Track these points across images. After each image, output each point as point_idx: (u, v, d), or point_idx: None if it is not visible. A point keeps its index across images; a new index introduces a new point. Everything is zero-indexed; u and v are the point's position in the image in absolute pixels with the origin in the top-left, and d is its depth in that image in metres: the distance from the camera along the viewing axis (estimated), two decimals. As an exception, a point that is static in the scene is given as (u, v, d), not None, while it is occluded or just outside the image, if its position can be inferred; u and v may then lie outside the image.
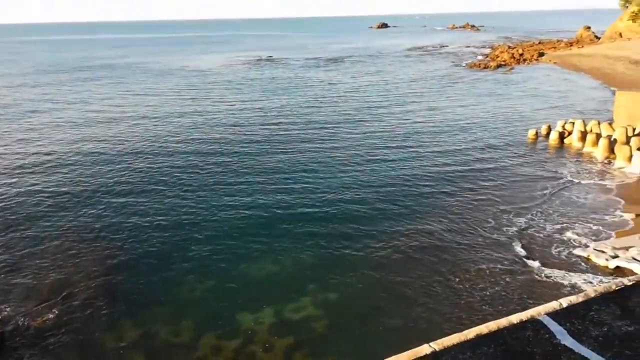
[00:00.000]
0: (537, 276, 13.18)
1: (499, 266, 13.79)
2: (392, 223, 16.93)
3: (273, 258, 14.69)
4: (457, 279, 13.17)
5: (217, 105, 40.39)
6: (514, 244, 15.13)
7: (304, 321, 11.64)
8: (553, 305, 11.45)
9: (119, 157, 25.45)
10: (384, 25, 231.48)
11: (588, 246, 14.53)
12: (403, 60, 76.50)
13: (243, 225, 17.08)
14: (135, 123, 33.75)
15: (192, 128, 32.03)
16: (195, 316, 11.92)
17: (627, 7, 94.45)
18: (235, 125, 32.61)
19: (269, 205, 18.81)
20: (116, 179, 22.03)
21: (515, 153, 25.33)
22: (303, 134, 29.99)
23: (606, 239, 15.05)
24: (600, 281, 12.61)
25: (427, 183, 21.01)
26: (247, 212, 18.18)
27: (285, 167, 23.60)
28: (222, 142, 28.23)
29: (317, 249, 15.14)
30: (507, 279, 13.07)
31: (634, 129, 24.72)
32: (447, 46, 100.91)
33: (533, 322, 6.19)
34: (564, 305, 11.54)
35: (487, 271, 13.54)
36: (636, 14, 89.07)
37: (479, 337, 6.24)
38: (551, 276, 13.13)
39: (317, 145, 27.37)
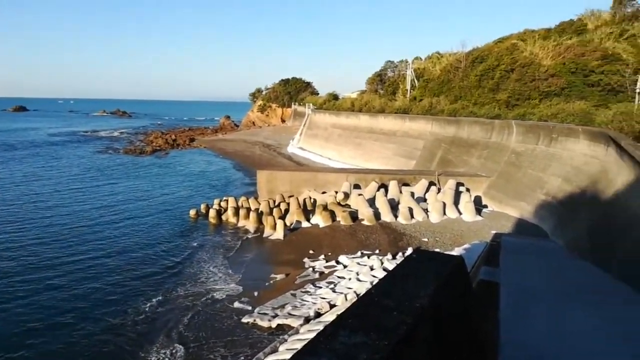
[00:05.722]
0: (213, 354, 13.37)
1: (169, 349, 13.36)
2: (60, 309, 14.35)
3: None
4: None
5: None
6: (180, 324, 15.06)
7: None
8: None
9: None
10: (22, 109, 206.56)
11: (253, 312, 15.83)
12: (54, 147, 69.43)
13: None
14: None
15: None
16: None
17: (255, 101, 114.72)
18: None
19: None
20: None
21: (178, 232, 25.95)
22: None
23: (267, 301, 16.77)
24: (264, 337, 13.86)
25: (85, 268, 18.98)
26: None
27: None
28: None
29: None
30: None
31: (274, 201, 29.30)
32: (100, 132, 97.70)
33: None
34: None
35: (164, 354, 12.91)
36: (262, 106, 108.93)
37: None
38: (224, 348, 13.57)
39: None
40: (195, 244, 23.92)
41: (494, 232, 21.40)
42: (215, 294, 17.57)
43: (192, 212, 29.40)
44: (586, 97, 33.91)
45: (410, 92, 53.58)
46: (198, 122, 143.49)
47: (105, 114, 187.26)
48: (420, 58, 63.29)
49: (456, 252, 20.17)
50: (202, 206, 30.19)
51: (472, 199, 27.92)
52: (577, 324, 6.48)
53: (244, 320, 15.25)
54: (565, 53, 37.98)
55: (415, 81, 54.33)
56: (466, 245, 21.18)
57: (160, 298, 17.23)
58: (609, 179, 19.44)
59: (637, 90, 29.84)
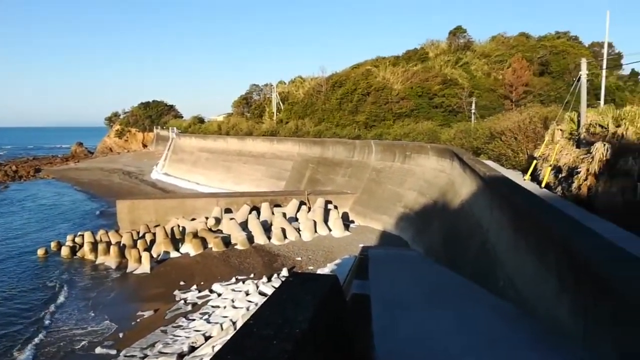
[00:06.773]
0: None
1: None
2: None
3: None
4: None
5: None
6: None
7: None
8: None
9: None
10: None
11: (119, 355, 14.41)
12: None
13: None
14: None
15: None
16: None
17: (112, 125, 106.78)
18: None
19: None
20: None
21: (27, 277, 22.78)
22: None
23: (134, 341, 15.39)
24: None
25: None
26: None
27: None
28: None
29: None
30: None
31: (138, 233, 27.29)
32: None
33: None
34: None
35: None
36: (121, 131, 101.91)
37: None
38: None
39: None
40: (49, 287, 21.21)
41: (361, 245, 22.44)
42: (74, 342, 15.67)
43: (41, 252, 26.08)
44: (432, 117, 37.88)
45: (276, 114, 54.57)
46: (46, 150, 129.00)
47: None
48: (284, 82, 65.07)
49: (329, 268, 20.75)
50: (53, 244, 26.99)
51: (340, 215, 29.09)
52: (442, 326, 7.00)
53: (109, 366, 13.81)
54: (412, 78, 42.10)
55: (281, 104, 55.55)
56: (337, 261, 21.90)
57: (8, 356, 14.84)
58: (455, 191, 21.74)
59: (473, 111, 34.17)
